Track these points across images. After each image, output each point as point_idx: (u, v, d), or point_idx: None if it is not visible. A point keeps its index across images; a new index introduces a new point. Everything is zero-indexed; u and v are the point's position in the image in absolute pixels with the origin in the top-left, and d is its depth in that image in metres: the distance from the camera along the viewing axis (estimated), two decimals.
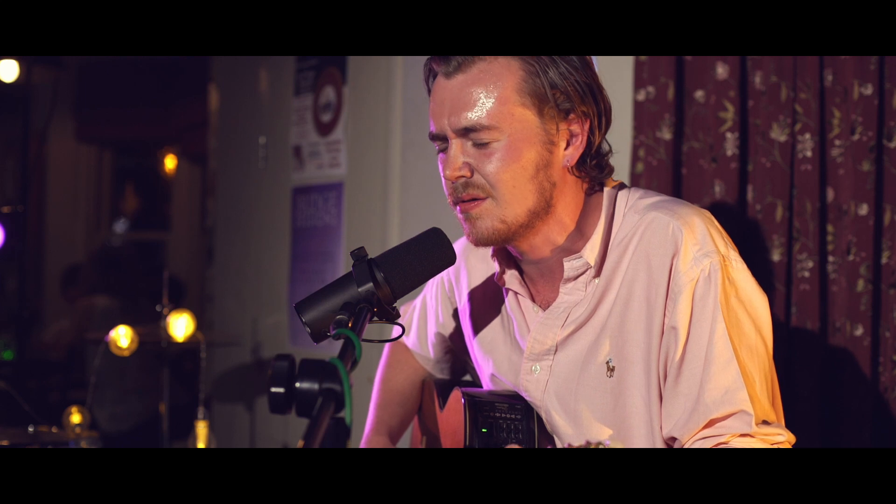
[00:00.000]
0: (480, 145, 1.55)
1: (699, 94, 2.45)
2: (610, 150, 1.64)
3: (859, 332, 2.17)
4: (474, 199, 1.57)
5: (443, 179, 1.61)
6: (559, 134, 1.56)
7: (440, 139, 1.60)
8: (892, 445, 2.14)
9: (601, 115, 1.59)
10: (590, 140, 1.58)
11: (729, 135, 2.38)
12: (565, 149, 1.58)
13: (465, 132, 1.55)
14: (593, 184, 1.64)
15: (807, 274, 2.25)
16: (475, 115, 1.53)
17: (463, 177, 1.56)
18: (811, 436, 2.20)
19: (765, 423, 1.52)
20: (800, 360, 2.24)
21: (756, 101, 2.36)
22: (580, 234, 1.62)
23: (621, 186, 1.66)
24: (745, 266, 1.57)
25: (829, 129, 2.23)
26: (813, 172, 2.24)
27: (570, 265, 1.60)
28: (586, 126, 1.57)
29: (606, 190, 1.64)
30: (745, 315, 1.54)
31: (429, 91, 1.64)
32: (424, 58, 1.65)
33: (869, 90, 2.14)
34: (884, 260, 2.14)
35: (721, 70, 2.39)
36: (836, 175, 2.21)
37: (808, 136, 2.25)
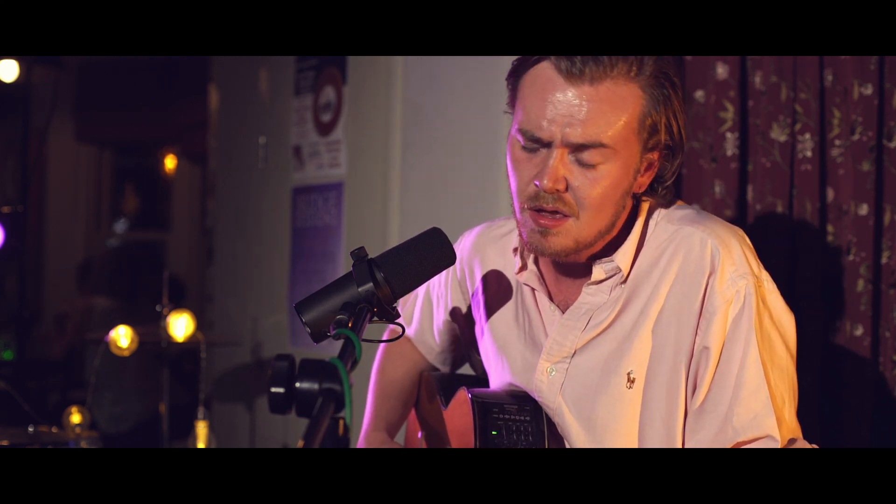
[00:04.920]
0: (586, 165, 1.51)
1: (699, 94, 2.45)
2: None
3: (859, 332, 2.17)
4: (557, 215, 1.53)
5: (516, 179, 1.56)
6: (643, 163, 1.56)
7: (538, 141, 1.52)
8: (892, 445, 2.13)
9: (681, 149, 1.58)
10: (662, 170, 1.58)
11: (729, 135, 2.38)
12: (640, 175, 1.57)
13: (579, 147, 1.50)
14: (638, 205, 1.63)
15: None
16: (600, 134, 1.48)
17: (558, 190, 1.52)
18: (811, 436, 2.19)
19: (791, 441, 1.54)
20: (800, 360, 2.23)
21: (756, 101, 2.36)
22: (615, 242, 1.61)
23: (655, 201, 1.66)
24: (775, 286, 1.57)
25: (829, 129, 2.22)
26: (813, 172, 2.24)
27: (600, 268, 1.60)
28: (662, 156, 1.57)
29: (643, 203, 1.63)
30: (777, 336, 1.55)
31: (516, 74, 1.55)
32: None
33: (869, 90, 2.14)
34: (884, 260, 2.14)
35: (721, 70, 2.39)
36: (836, 175, 2.21)
37: (808, 136, 2.25)
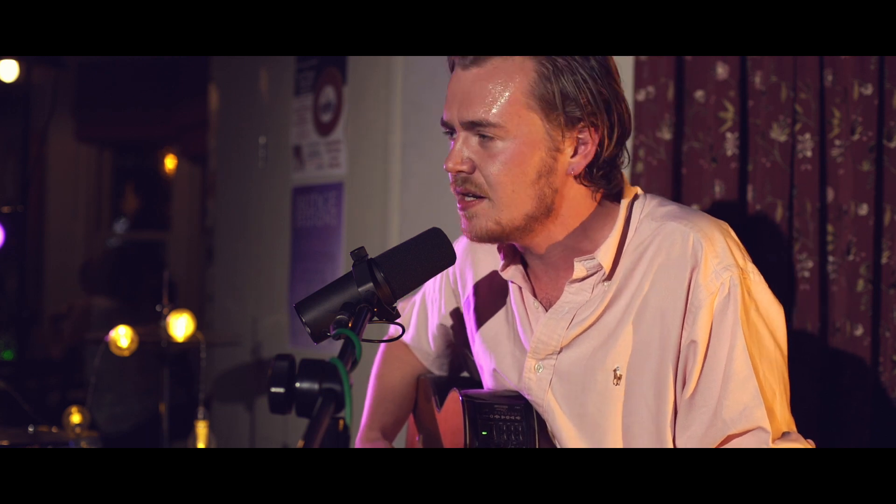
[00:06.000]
0: (485, 143, 1.54)
1: (699, 94, 2.45)
2: (623, 161, 1.61)
3: (859, 332, 2.17)
4: (472, 196, 1.57)
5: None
6: (565, 141, 1.54)
7: (449, 128, 1.59)
8: (892, 445, 2.13)
9: (613, 126, 1.55)
10: (598, 151, 1.56)
11: (729, 135, 2.38)
12: (572, 156, 1.56)
13: (472, 126, 1.54)
14: (607, 193, 1.61)
15: (807, 274, 2.25)
16: (483, 111, 1.53)
17: (463, 171, 1.56)
18: (811, 436, 2.20)
19: (785, 434, 1.53)
20: (800, 360, 2.24)
21: (756, 101, 2.36)
22: (584, 234, 1.61)
23: (638, 196, 1.64)
24: (761, 278, 1.56)
25: (829, 129, 2.23)
26: (813, 172, 2.24)
27: (581, 265, 1.59)
28: (597, 137, 1.55)
29: (624, 199, 1.62)
30: (764, 328, 1.54)
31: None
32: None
33: (869, 90, 2.14)
34: (884, 260, 2.14)
35: (721, 70, 2.39)
36: (836, 175, 2.21)
37: (808, 136, 2.25)
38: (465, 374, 2.03)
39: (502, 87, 1.52)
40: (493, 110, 1.52)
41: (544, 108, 1.52)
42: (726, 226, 1.60)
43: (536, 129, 1.53)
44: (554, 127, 1.53)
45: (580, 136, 1.55)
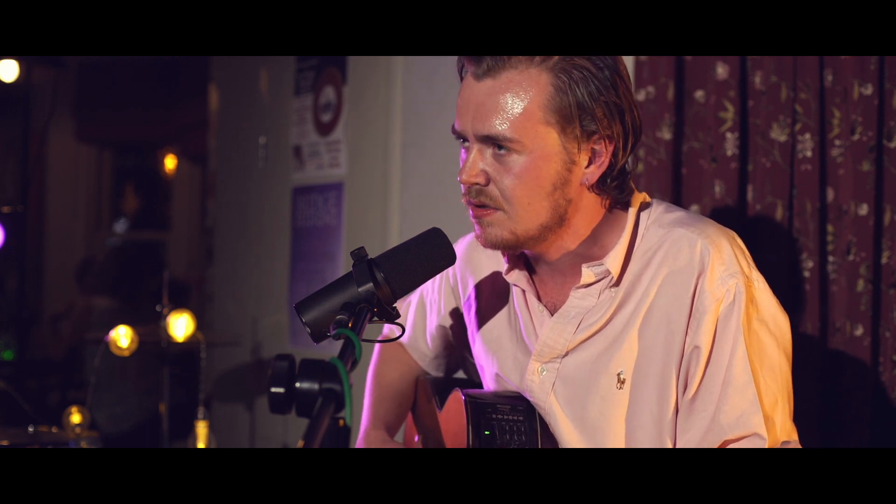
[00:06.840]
0: (501, 156, 1.53)
1: (699, 94, 2.45)
2: (633, 170, 1.62)
3: (859, 332, 2.17)
4: (484, 207, 1.56)
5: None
6: (581, 153, 1.54)
7: (460, 135, 1.58)
8: (892, 445, 2.14)
9: (627, 135, 1.55)
10: (612, 161, 1.56)
11: (729, 135, 2.38)
12: (586, 167, 1.55)
13: (487, 139, 1.53)
14: (616, 202, 1.62)
15: (807, 274, 2.25)
16: (499, 125, 1.51)
17: (477, 184, 1.55)
18: (811, 436, 2.20)
19: (784, 443, 1.53)
20: (799, 360, 2.23)
21: (756, 101, 2.36)
22: (594, 241, 1.61)
23: (645, 203, 1.65)
24: (766, 286, 1.57)
25: (829, 129, 2.23)
26: (813, 172, 2.24)
27: (589, 271, 1.59)
28: (611, 147, 1.55)
29: (632, 206, 1.63)
30: (768, 335, 1.55)
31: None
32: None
33: (869, 90, 2.14)
34: (884, 260, 2.14)
35: (721, 70, 2.39)
36: (836, 175, 2.21)
37: (808, 136, 2.25)
38: (463, 375, 2.03)
39: (518, 101, 1.51)
40: (510, 125, 1.51)
41: (560, 122, 1.52)
42: (733, 234, 1.60)
43: (552, 143, 1.52)
44: (570, 140, 1.53)
45: (595, 146, 1.55)
